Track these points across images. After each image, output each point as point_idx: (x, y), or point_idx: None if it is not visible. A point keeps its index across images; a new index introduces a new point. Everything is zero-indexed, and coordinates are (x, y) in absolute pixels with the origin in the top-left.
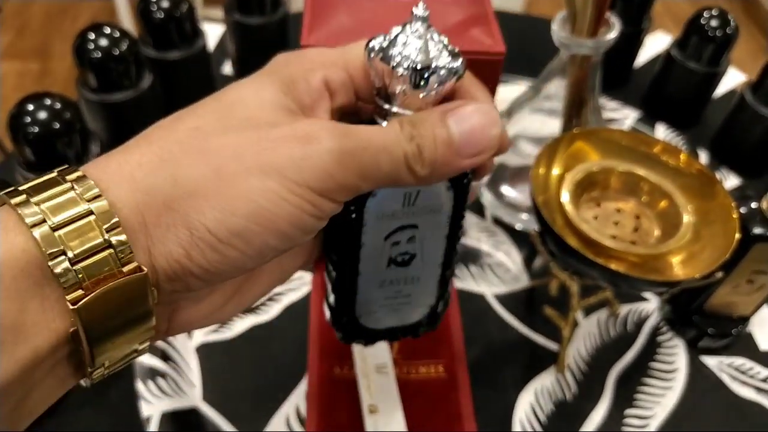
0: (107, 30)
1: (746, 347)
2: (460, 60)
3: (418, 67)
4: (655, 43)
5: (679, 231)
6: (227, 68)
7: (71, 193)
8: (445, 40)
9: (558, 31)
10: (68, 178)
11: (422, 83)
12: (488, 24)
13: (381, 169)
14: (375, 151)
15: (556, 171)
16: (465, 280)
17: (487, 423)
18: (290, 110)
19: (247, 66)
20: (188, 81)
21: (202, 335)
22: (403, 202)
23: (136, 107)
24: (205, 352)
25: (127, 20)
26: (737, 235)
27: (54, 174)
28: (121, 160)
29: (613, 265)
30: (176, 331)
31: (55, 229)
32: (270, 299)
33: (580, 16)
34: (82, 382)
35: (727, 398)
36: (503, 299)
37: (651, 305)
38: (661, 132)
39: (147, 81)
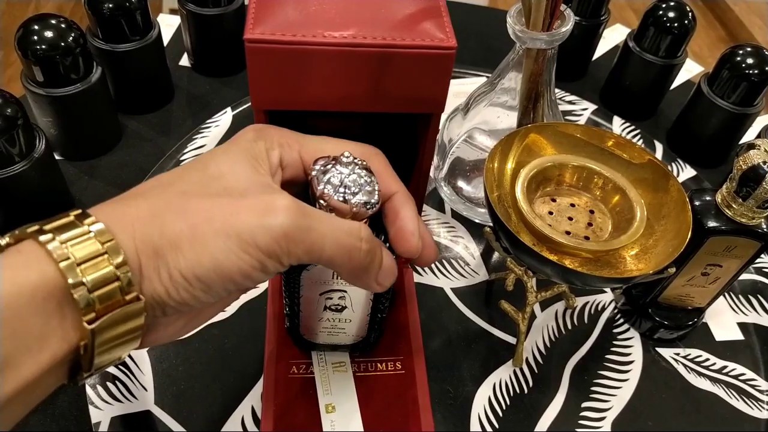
0: (52, 21)
1: (702, 338)
2: (375, 197)
3: (338, 199)
4: (615, 35)
5: (632, 226)
6: (184, 60)
7: (90, 236)
8: (368, 179)
9: (513, 24)
10: (85, 222)
11: (332, 212)
12: (441, 18)
13: (324, 252)
14: (322, 235)
15: (510, 166)
16: (424, 274)
17: (445, 417)
18: (261, 183)
19: (203, 58)
20: (142, 73)
21: None
22: (333, 276)
23: (84, 101)
24: (158, 354)
25: None
26: (690, 230)
27: (72, 218)
28: (123, 212)
29: (567, 262)
30: (146, 346)
31: (77, 264)
32: None
33: (535, 9)
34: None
35: (683, 389)
36: (461, 293)
37: (608, 297)
38: (618, 124)
39: (96, 74)
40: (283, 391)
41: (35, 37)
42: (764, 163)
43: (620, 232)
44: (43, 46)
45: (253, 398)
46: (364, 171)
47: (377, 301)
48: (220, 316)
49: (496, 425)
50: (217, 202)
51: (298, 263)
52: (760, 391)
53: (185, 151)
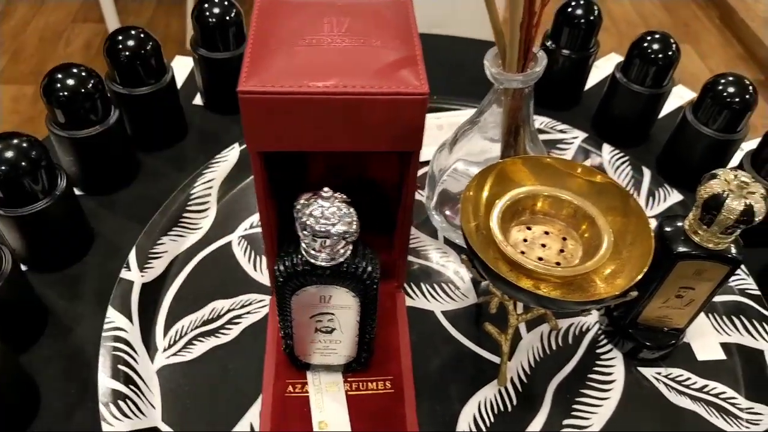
0: (74, 70)
1: (684, 358)
2: (354, 227)
3: (314, 232)
4: (609, 65)
5: (599, 252)
6: (198, 99)
7: None
8: (347, 210)
9: (489, 66)
10: None
11: (314, 242)
12: (416, 66)
13: None
14: None
15: (487, 196)
16: (416, 298)
17: None
18: None
19: (214, 97)
20: (157, 113)
21: (164, 358)
22: (320, 300)
23: (102, 142)
24: (166, 374)
25: None
26: (650, 255)
27: None
28: None
29: (542, 287)
30: None
31: None
32: (230, 322)
33: (509, 52)
34: None
35: (663, 407)
36: (451, 316)
37: (592, 319)
38: (607, 151)
39: (114, 117)
40: (280, 408)
41: (58, 85)
42: (723, 191)
43: (589, 257)
44: (65, 93)
45: (252, 416)
46: (344, 204)
47: (364, 323)
48: (224, 339)
49: None
50: None
51: None
52: (740, 409)
53: (196, 184)
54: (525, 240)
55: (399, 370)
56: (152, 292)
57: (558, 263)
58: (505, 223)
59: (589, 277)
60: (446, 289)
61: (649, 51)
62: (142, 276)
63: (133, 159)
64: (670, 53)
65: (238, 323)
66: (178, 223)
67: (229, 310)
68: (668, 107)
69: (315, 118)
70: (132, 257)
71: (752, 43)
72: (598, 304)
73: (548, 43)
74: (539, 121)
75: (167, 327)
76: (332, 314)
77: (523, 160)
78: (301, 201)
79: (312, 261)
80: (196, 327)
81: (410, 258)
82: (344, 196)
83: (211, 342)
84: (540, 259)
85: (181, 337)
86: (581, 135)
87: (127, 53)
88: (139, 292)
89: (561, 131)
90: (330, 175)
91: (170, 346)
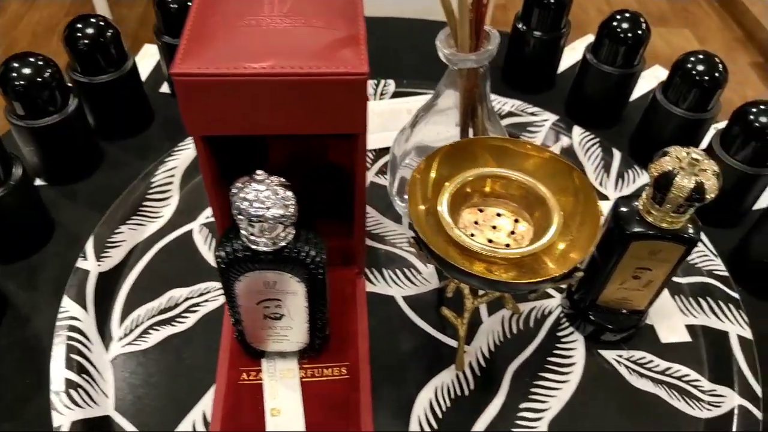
0: (30, 59)
1: (647, 340)
2: (291, 211)
3: (249, 216)
4: (584, 47)
5: (548, 233)
6: (165, 87)
7: None
8: (284, 194)
9: (442, 48)
10: None
11: (252, 226)
12: (357, 46)
13: None
14: None
15: (438, 179)
16: (377, 283)
17: (387, 419)
18: None
19: None
20: (119, 102)
21: (119, 347)
22: (264, 286)
23: (62, 130)
24: (120, 363)
25: None
26: (596, 236)
27: None
28: None
29: (494, 269)
30: None
31: None
32: (187, 310)
33: (460, 32)
34: None
35: (624, 390)
36: (412, 301)
37: (554, 303)
38: (577, 133)
39: (72, 105)
40: (233, 396)
41: (14, 74)
42: (674, 169)
43: (539, 238)
44: (22, 83)
45: (205, 404)
46: (281, 188)
47: (315, 309)
48: (180, 328)
49: (435, 426)
50: None
51: None
52: (703, 391)
53: (157, 173)
54: (476, 222)
55: (356, 356)
56: (109, 281)
57: (508, 245)
58: (457, 206)
59: (540, 259)
60: (408, 274)
61: (619, 31)
62: (99, 265)
63: (95, 148)
64: (639, 32)
65: (195, 312)
66: (137, 212)
67: (187, 299)
68: (644, 88)
69: (253, 101)
70: (89, 246)
71: (752, 27)
72: (541, 285)
73: (519, 26)
74: (510, 104)
75: (123, 316)
76: (279, 300)
77: (475, 142)
78: (237, 185)
79: (253, 247)
80: (153, 316)
81: (374, 244)
82: (282, 180)
83: (168, 331)
84: (490, 241)
85: (137, 326)
86: (552, 117)
87: (86, 41)
88: (96, 281)
89: (532, 114)
90: (292, 162)
91: (126, 335)
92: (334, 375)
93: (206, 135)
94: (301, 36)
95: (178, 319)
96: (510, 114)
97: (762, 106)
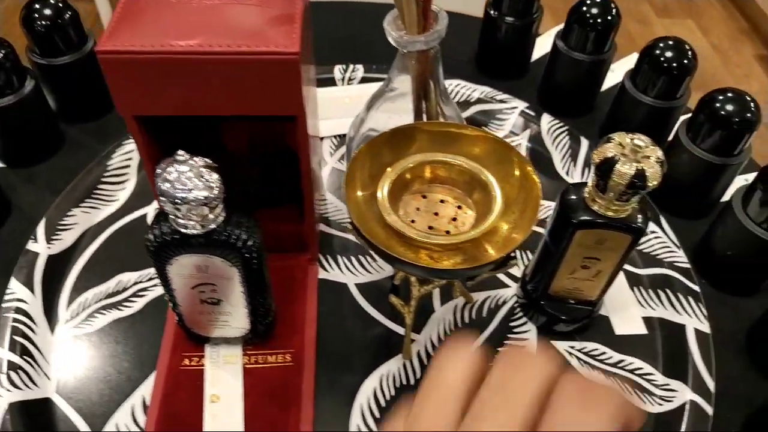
0: None
1: (602, 332)
2: (215, 193)
3: (172, 197)
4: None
5: (488, 219)
6: None
7: None
8: (208, 176)
9: (390, 31)
10: None
11: (177, 209)
12: (291, 25)
13: None
14: None
15: (380, 165)
16: (331, 270)
17: (328, 407)
18: None
19: None
20: (80, 84)
21: (65, 330)
22: (197, 270)
23: (19, 112)
24: (65, 346)
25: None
26: (532, 222)
27: None
28: None
29: (436, 257)
30: None
31: None
32: (135, 295)
33: (407, 14)
34: None
35: None
36: (365, 288)
37: (509, 292)
38: (546, 121)
39: (29, 87)
40: (172, 381)
41: None
42: (615, 156)
43: (480, 224)
44: None
45: (146, 389)
46: (206, 169)
47: (253, 294)
48: (127, 312)
49: (377, 414)
50: None
51: None
52: (656, 385)
53: (114, 156)
54: (418, 209)
55: (301, 343)
56: (59, 263)
57: (448, 231)
58: (400, 193)
59: (482, 245)
60: (363, 261)
61: (588, 16)
62: (49, 248)
63: (55, 131)
64: (609, 18)
65: (143, 296)
66: (91, 195)
67: (135, 283)
68: (619, 76)
69: (181, 80)
70: (40, 229)
71: (756, 17)
72: (477, 270)
73: (491, 12)
74: (479, 90)
75: (71, 299)
76: (214, 285)
77: (418, 127)
78: (162, 165)
79: (181, 230)
80: (101, 299)
81: (332, 231)
82: (207, 161)
83: (114, 315)
84: (431, 227)
85: (84, 309)
86: (521, 105)
87: (43, 23)
88: (45, 263)
89: (501, 101)
90: (249, 146)
91: (72, 318)
92: (278, 362)
93: (138, 115)
94: (233, 14)
95: (125, 304)
96: (479, 101)
97: (729, 94)
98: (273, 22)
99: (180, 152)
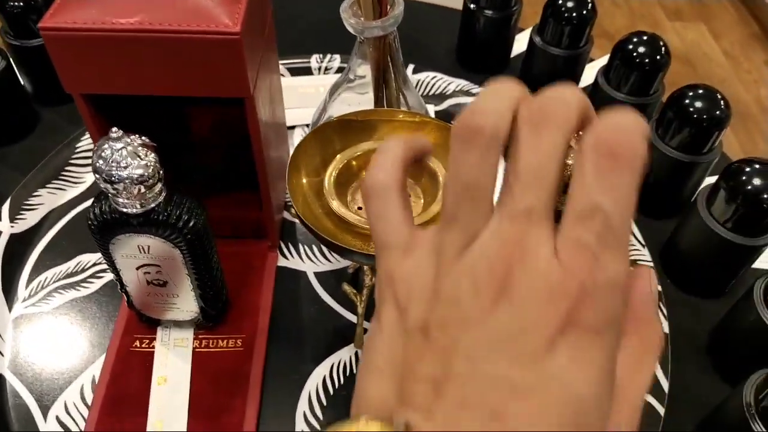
0: None
1: None
2: (151, 171)
3: (105, 175)
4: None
5: (435, 205)
6: None
7: None
8: (143, 153)
9: (347, 18)
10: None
11: (114, 189)
12: (236, 5)
13: None
14: None
15: (329, 152)
16: (291, 258)
17: (277, 394)
18: None
19: None
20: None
21: (21, 308)
22: (139, 251)
23: None
24: (20, 324)
25: None
26: None
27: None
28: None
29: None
30: None
31: None
32: (93, 275)
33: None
34: None
35: None
36: (323, 277)
37: None
38: None
39: (0, 67)
40: (122, 362)
41: None
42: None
43: (425, 212)
44: None
45: (96, 369)
46: (141, 147)
47: (201, 277)
48: (84, 292)
49: (324, 402)
50: None
51: None
52: None
53: (83, 138)
54: None
55: (254, 329)
56: (21, 243)
57: None
58: (349, 180)
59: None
60: (324, 250)
61: (563, 10)
62: (12, 227)
63: (30, 112)
64: (584, 12)
65: (101, 277)
66: (59, 177)
67: (95, 264)
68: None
69: (124, 58)
70: (5, 208)
71: None
72: None
73: (470, 5)
74: (455, 83)
75: (31, 278)
76: (158, 266)
77: (370, 114)
78: (98, 143)
79: (120, 209)
80: (59, 279)
81: (294, 219)
82: (145, 139)
83: (71, 294)
84: None
85: (42, 288)
86: None
87: (17, 4)
88: (6, 242)
89: (476, 95)
90: (213, 131)
91: (30, 296)
92: (228, 347)
93: (85, 93)
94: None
95: (83, 284)
96: (455, 94)
97: (700, 90)
98: (220, 1)
99: (114, 129)
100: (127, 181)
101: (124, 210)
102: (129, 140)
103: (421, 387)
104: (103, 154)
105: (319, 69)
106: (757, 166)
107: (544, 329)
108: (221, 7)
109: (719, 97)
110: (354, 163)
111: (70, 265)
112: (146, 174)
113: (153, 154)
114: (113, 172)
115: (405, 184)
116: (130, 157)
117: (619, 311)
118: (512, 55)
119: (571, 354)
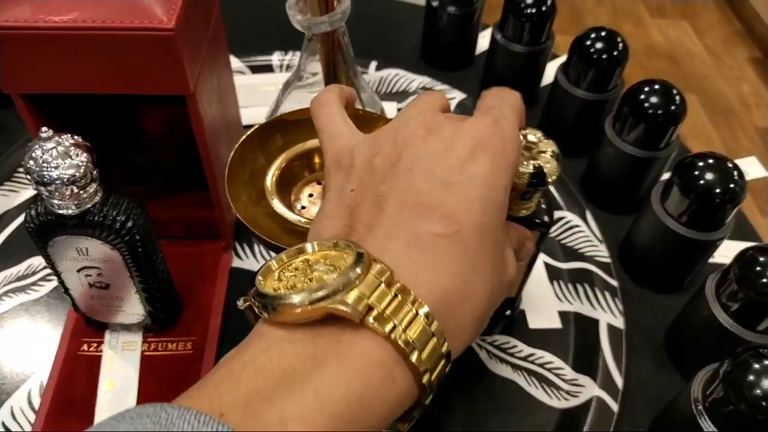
0: None
1: (517, 326)
2: (82, 171)
3: (37, 176)
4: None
5: None
6: None
7: (416, 317)
8: (74, 153)
9: (294, 14)
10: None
11: (47, 190)
12: (174, 1)
13: None
14: None
15: (271, 151)
16: (245, 259)
17: None
18: None
19: None
20: None
21: None
22: (78, 253)
23: None
24: None
25: None
26: None
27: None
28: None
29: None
30: None
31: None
32: (43, 279)
33: None
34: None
35: (479, 376)
36: None
37: None
38: None
39: None
40: (69, 366)
41: None
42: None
43: None
44: None
45: (44, 373)
46: (74, 147)
47: (145, 279)
48: (33, 296)
49: None
50: None
51: None
52: (564, 380)
53: None
54: (311, 195)
55: (204, 331)
56: None
57: None
58: (294, 179)
59: None
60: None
61: (523, 7)
62: None
63: None
64: (544, 8)
65: (51, 280)
66: (11, 178)
67: (45, 267)
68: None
69: (60, 57)
70: None
71: (751, 20)
72: None
73: (433, 2)
74: (418, 81)
75: None
76: (99, 268)
77: (303, 114)
78: (30, 144)
79: (56, 210)
80: (9, 282)
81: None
82: (77, 139)
83: (20, 298)
84: None
85: None
86: (460, 96)
87: None
88: None
89: (441, 92)
90: (167, 130)
91: None
92: (177, 350)
93: (22, 93)
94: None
95: (32, 287)
96: (418, 90)
97: (656, 86)
98: None
99: (44, 129)
100: (58, 182)
101: (60, 211)
102: (60, 140)
103: (366, 207)
104: (33, 154)
105: (281, 66)
106: (710, 160)
107: (468, 146)
108: (157, 3)
109: (675, 92)
110: (297, 162)
111: (20, 268)
112: (78, 174)
113: (86, 154)
114: (44, 173)
115: (344, 109)
116: (61, 157)
117: (516, 143)
118: (477, 53)
119: (486, 163)
